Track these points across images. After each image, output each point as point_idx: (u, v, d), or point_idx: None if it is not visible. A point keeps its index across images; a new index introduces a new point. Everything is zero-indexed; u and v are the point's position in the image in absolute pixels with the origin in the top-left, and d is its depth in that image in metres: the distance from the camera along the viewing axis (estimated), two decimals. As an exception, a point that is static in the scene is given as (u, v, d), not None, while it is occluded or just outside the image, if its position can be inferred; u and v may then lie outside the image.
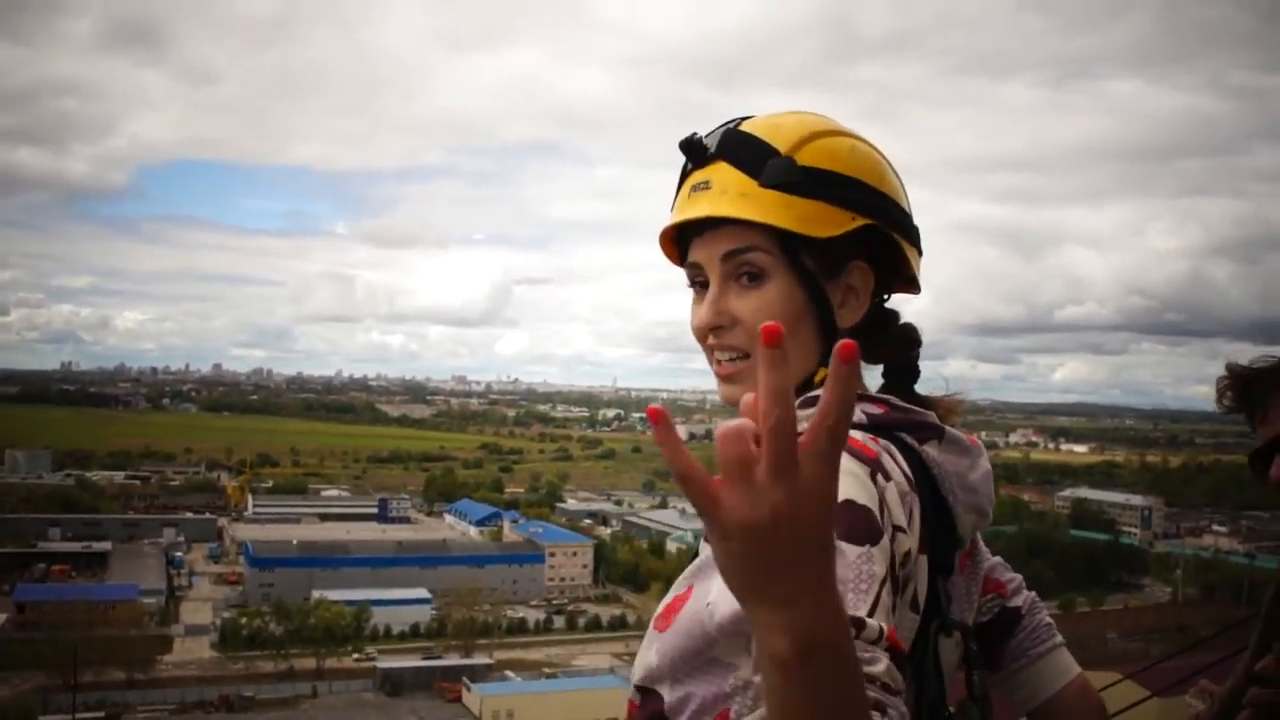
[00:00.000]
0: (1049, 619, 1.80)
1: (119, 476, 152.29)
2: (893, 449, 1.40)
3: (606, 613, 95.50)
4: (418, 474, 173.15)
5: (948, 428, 1.48)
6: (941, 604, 1.42)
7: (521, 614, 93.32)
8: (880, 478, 1.33)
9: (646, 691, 1.40)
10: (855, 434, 1.38)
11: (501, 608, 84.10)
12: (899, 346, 1.56)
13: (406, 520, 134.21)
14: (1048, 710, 1.75)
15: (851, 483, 1.29)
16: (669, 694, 1.37)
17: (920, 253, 1.55)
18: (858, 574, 1.24)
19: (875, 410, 1.45)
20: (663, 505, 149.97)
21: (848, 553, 1.24)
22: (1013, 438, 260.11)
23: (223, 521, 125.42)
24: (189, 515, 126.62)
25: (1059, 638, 1.78)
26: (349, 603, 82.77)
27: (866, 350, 1.28)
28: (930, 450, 1.44)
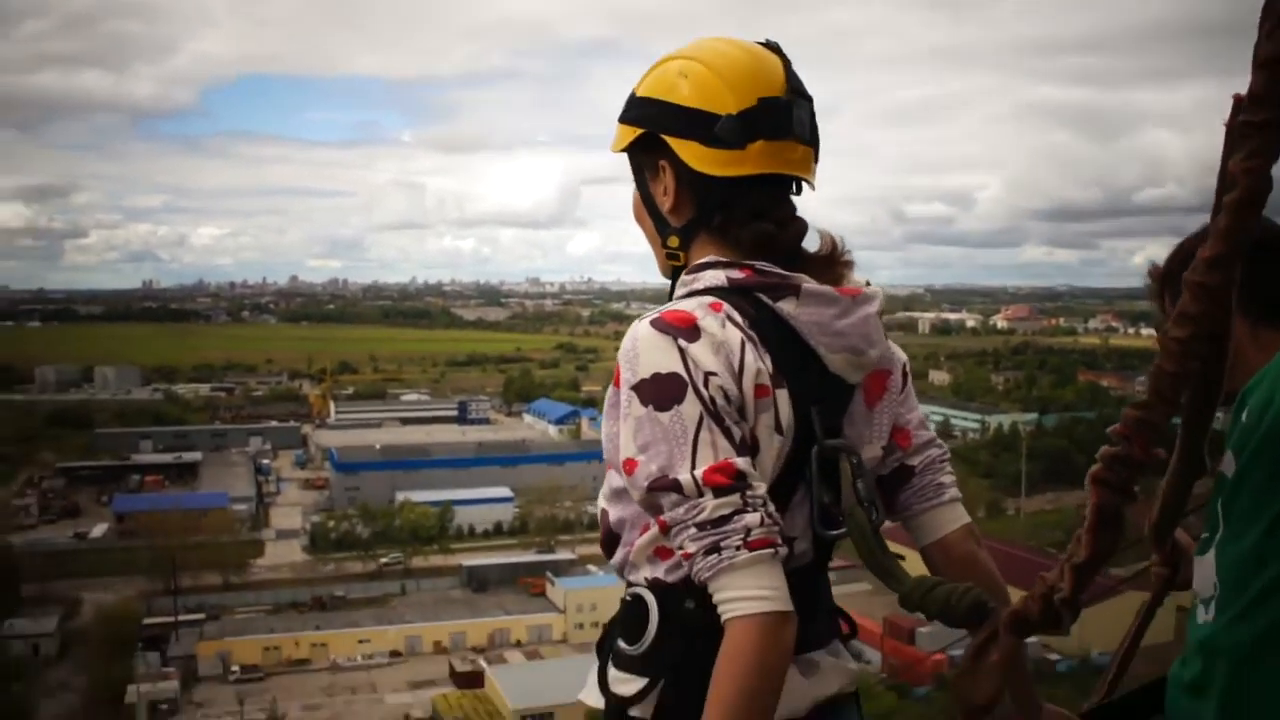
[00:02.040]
0: (944, 479, 2.03)
1: (204, 389, 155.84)
2: (732, 309, 1.74)
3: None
4: (495, 375, 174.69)
5: (806, 284, 1.77)
6: (813, 427, 1.77)
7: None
8: (682, 340, 1.69)
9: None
10: (681, 305, 1.76)
11: (582, 504, 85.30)
12: (753, 222, 1.84)
13: (486, 421, 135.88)
14: (927, 555, 2.01)
15: (654, 355, 1.69)
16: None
17: (729, 144, 1.80)
18: (670, 434, 1.66)
19: (738, 275, 1.78)
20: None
21: (661, 419, 1.67)
22: (1091, 323, 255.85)
23: (306, 429, 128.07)
24: (273, 424, 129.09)
25: (945, 496, 2.01)
26: (432, 503, 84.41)
27: (722, 228, 1.85)
28: (785, 305, 1.76)
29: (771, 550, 1.63)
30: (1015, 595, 1.62)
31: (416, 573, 78.50)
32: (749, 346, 1.72)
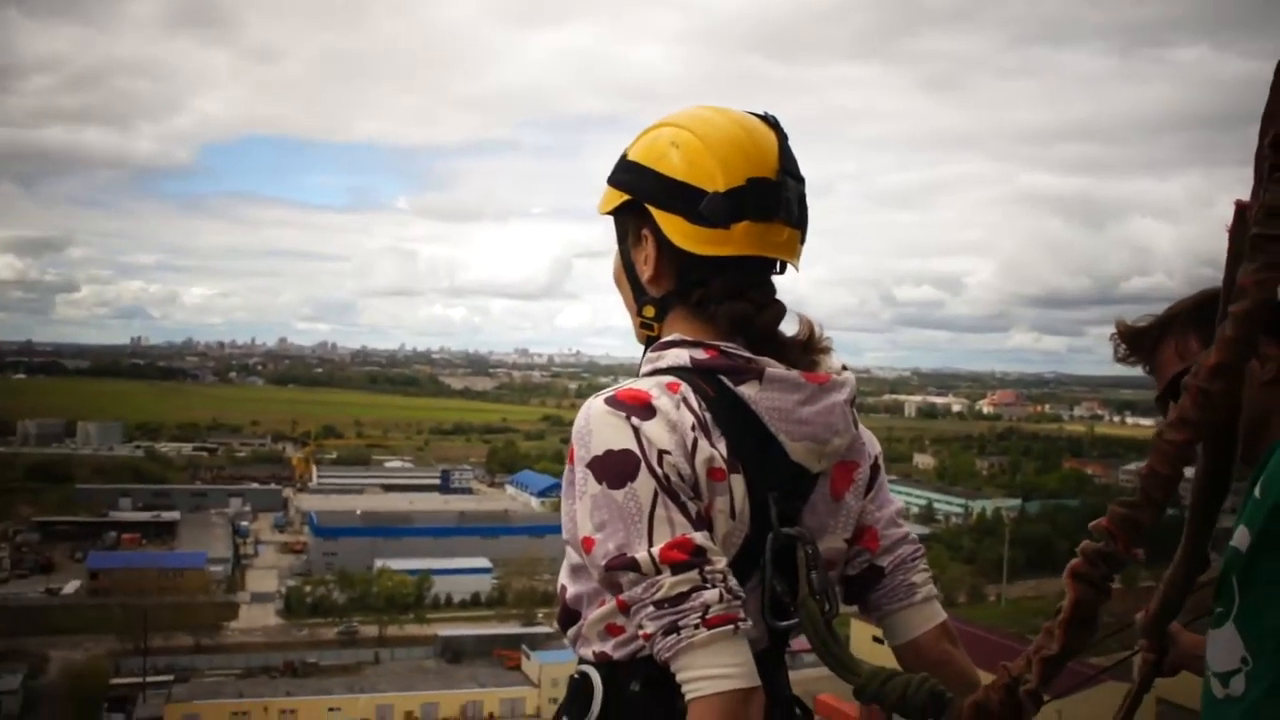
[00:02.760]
0: (915, 578, 1.98)
1: (187, 448, 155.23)
2: (690, 390, 1.71)
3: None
4: (480, 445, 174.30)
5: (770, 369, 1.74)
6: (770, 516, 1.73)
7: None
8: (635, 418, 1.66)
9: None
10: (637, 384, 1.74)
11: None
12: (730, 301, 1.80)
13: (468, 491, 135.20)
14: (899, 655, 1.97)
15: (607, 433, 1.66)
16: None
17: (714, 223, 1.76)
18: (625, 512, 1.64)
19: (702, 355, 1.76)
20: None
21: (615, 496, 1.64)
22: (1077, 410, 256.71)
23: (288, 492, 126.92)
24: (255, 486, 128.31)
25: (917, 596, 1.97)
26: (411, 572, 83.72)
27: (699, 304, 1.81)
28: (747, 389, 1.72)
29: (731, 627, 1.60)
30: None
31: (391, 641, 77.62)
32: (701, 430, 1.69)
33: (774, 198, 1.78)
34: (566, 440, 1.68)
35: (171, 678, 66.72)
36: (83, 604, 77.80)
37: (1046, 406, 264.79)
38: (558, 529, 1.72)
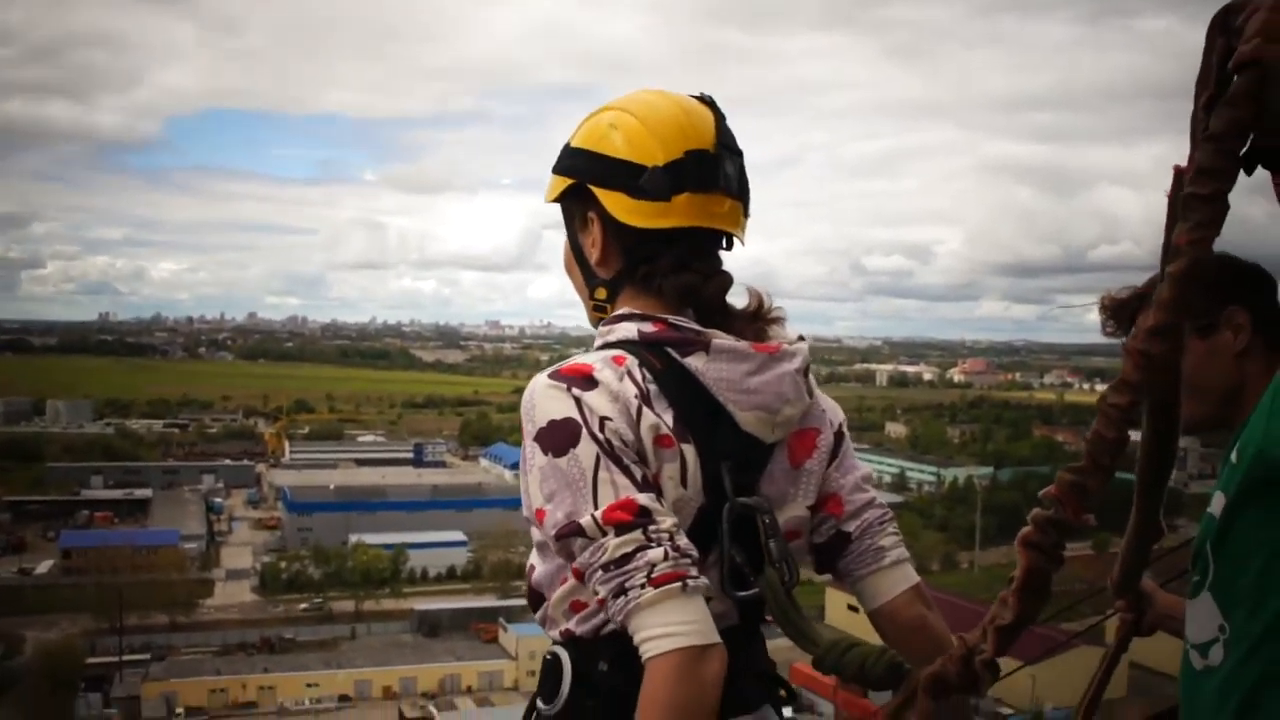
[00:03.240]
0: (884, 542, 1.98)
1: (158, 425, 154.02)
2: (637, 363, 1.75)
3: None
4: (452, 418, 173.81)
5: (716, 340, 1.77)
6: (724, 486, 1.75)
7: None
8: (576, 389, 1.71)
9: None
10: (582, 358, 1.78)
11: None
12: (676, 274, 1.84)
13: (442, 464, 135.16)
14: (874, 620, 1.99)
15: (549, 404, 1.72)
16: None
17: (654, 195, 1.81)
18: (569, 478, 1.68)
19: (650, 328, 1.80)
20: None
21: (560, 464, 1.69)
22: (1047, 379, 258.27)
23: (260, 468, 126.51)
24: (227, 462, 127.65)
25: (886, 560, 1.97)
26: (386, 546, 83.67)
27: (646, 280, 1.85)
28: (694, 361, 1.75)
29: (679, 584, 1.60)
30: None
31: (367, 616, 77.63)
32: (645, 401, 1.72)
33: (712, 169, 1.83)
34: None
35: (148, 656, 66.73)
36: (56, 583, 77.49)
37: (1017, 375, 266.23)
38: (532, 502, 1.81)
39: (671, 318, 1.81)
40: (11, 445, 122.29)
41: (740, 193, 1.88)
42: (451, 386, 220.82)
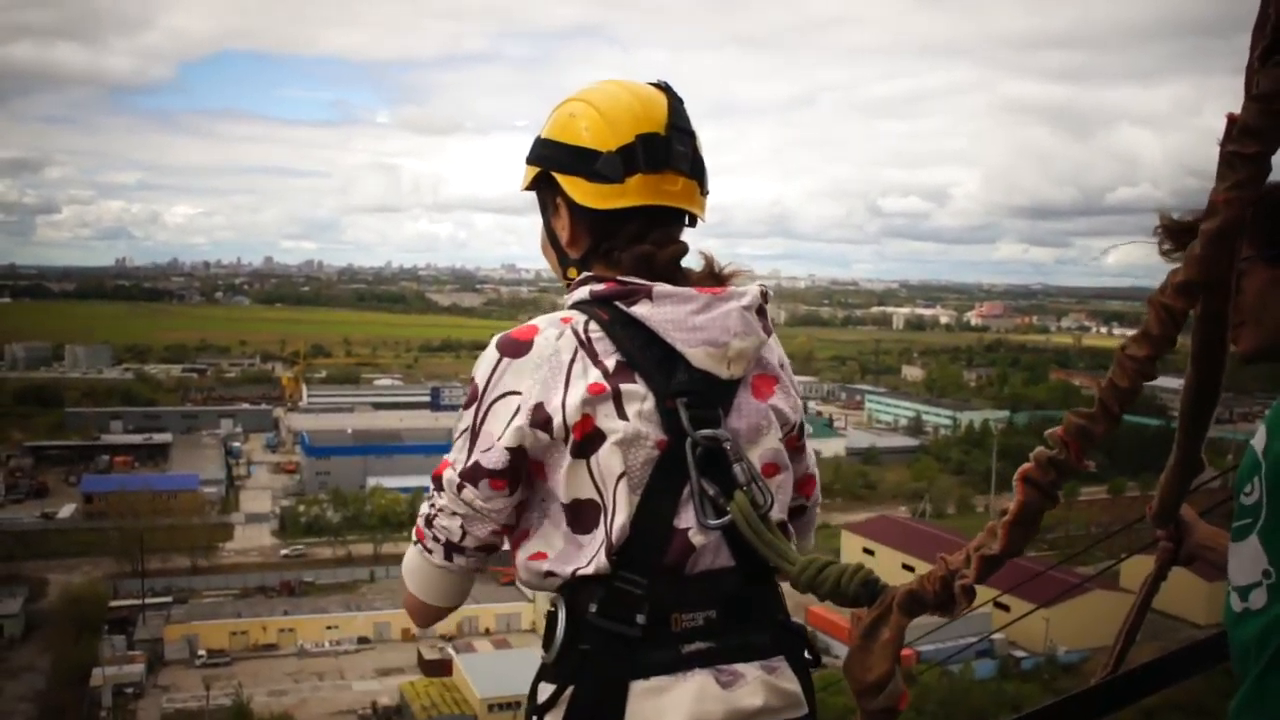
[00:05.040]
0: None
1: (176, 370, 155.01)
2: (586, 318, 1.88)
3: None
4: (469, 362, 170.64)
5: (658, 287, 1.87)
6: (681, 420, 1.83)
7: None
8: (508, 357, 1.89)
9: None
10: (533, 320, 1.95)
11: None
12: (633, 246, 1.95)
13: (457, 408, 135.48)
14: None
15: (479, 365, 1.94)
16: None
17: (610, 178, 1.94)
18: (458, 432, 1.96)
19: (600, 287, 1.90)
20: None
21: (463, 415, 1.96)
22: (1064, 322, 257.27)
23: (278, 412, 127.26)
24: (245, 406, 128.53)
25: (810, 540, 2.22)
26: (404, 490, 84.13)
27: (607, 254, 1.96)
28: (640, 309, 1.86)
29: (420, 546, 1.99)
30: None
31: (386, 559, 78.27)
32: (583, 353, 1.86)
33: (664, 151, 1.95)
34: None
35: (170, 599, 67.55)
36: (79, 527, 78.35)
37: (1034, 318, 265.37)
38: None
39: (621, 277, 1.91)
40: (32, 390, 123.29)
41: (693, 171, 1.99)
42: (468, 330, 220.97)
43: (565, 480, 1.84)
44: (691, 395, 1.85)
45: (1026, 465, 1.42)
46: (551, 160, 2.02)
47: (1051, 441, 1.40)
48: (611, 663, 1.76)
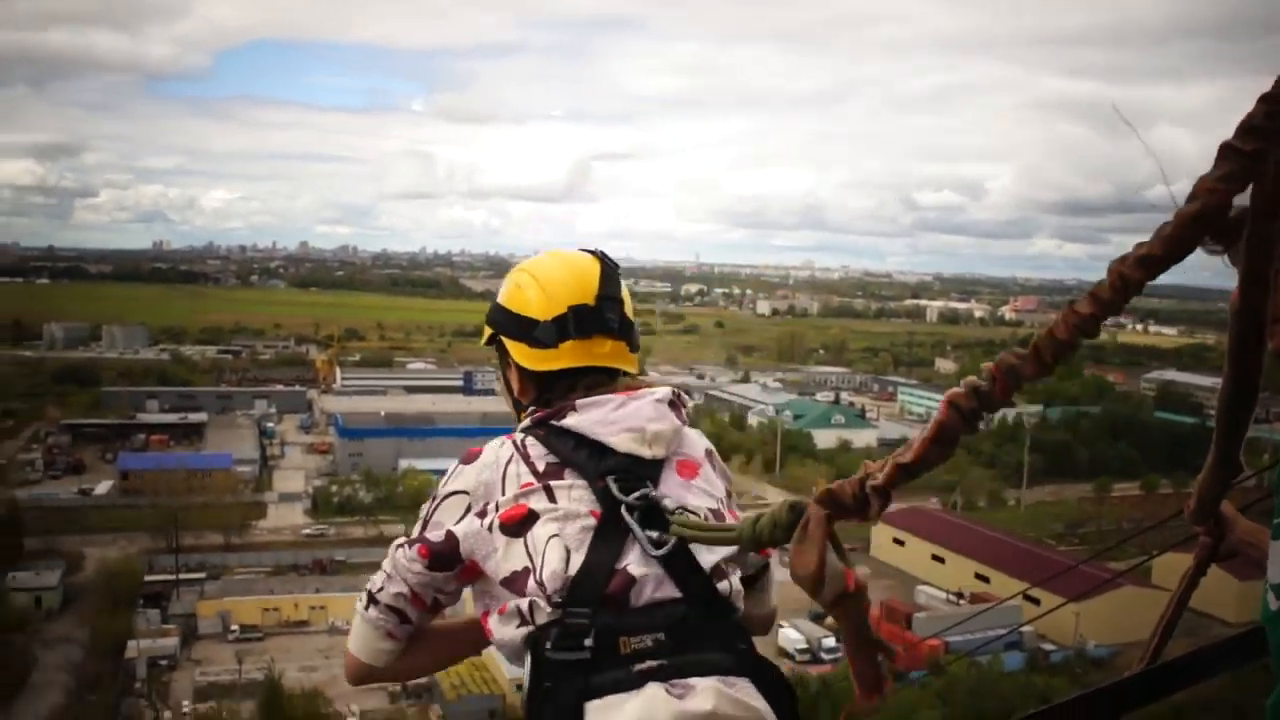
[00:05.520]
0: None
1: (211, 351, 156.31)
2: (525, 437, 2.14)
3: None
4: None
5: (579, 400, 2.14)
6: (613, 493, 2.01)
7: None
8: (461, 465, 2.17)
9: None
10: (486, 443, 2.19)
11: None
12: (566, 390, 2.21)
13: (491, 392, 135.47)
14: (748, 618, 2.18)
15: (449, 472, 2.19)
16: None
17: (546, 344, 2.23)
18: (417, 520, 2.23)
19: (536, 414, 2.19)
20: (745, 380, 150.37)
21: (426, 505, 2.22)
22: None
23: (312, 394, 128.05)
24: (279, 388, 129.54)
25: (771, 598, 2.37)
26: (435, 472, 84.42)
27: (547, 404, 2.21)
28: (568, 421, 2.11)
29: (365, 609, 2.25)
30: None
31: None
32: (518, 457, 2.11)
33: (593, 319, 2.23)
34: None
35: (203, 575, 68.38)
36: (115, 504, 79.27)
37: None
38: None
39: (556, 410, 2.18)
40: (70, 370, 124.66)
41: (622, 333, 2.28)
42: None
43: (501, 560, 2.02)
44: (620, 473, 2.05)
45: (955, 389, 1.45)
46: (501, 325, 2.33)
47: (984, 373, 1.43)
48: (566, 689, 1.84)
